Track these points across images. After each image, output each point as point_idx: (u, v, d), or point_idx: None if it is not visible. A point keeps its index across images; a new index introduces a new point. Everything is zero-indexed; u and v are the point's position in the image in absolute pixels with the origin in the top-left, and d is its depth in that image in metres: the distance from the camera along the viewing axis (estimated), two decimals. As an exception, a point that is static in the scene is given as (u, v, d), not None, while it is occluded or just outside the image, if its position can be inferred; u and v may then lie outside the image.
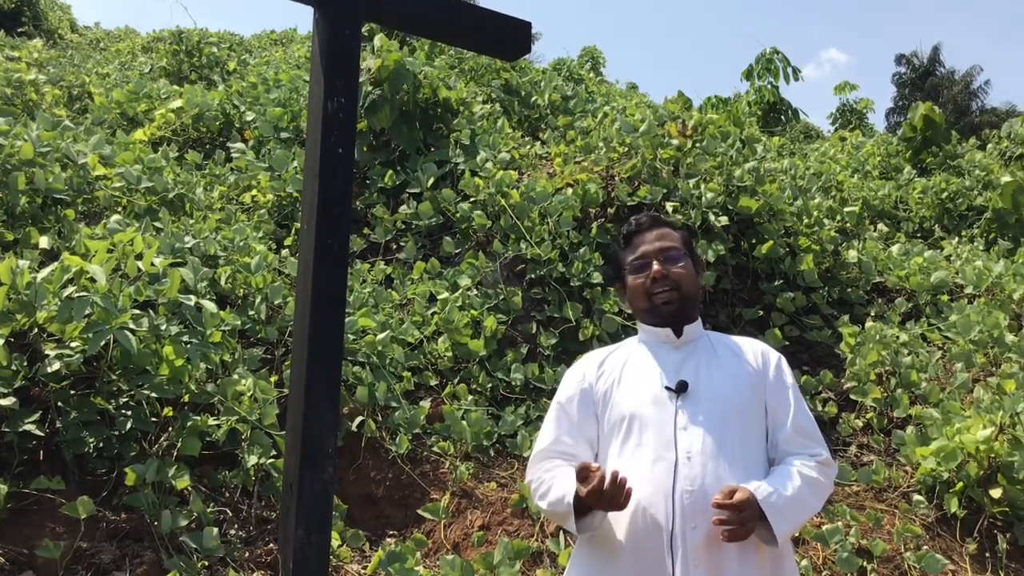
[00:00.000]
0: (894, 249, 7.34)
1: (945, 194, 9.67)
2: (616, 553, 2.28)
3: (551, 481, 2.37)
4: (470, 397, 4.75)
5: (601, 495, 2.13)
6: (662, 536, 2.20)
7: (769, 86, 14.54)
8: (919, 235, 9.28)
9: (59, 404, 3.44)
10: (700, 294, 2.61)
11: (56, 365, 3.38)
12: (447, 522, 4.01)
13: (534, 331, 5.34)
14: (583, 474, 2.18)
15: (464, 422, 4.51)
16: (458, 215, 6.07)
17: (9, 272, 3.43)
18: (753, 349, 2.54)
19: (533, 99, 9.98)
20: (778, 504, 2.18)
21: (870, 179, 10.62)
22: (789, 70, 14.61)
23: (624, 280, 2.59)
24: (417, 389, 4.76)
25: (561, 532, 3.89)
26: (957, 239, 8.88)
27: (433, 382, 4.81)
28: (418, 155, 6.78)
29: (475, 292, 5.44)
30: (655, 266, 2.47)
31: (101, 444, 3.47)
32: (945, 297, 6.33)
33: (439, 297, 5.30)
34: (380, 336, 4.70)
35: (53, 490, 3.25)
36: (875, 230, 8.58)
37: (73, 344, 3.47)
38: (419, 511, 4.01)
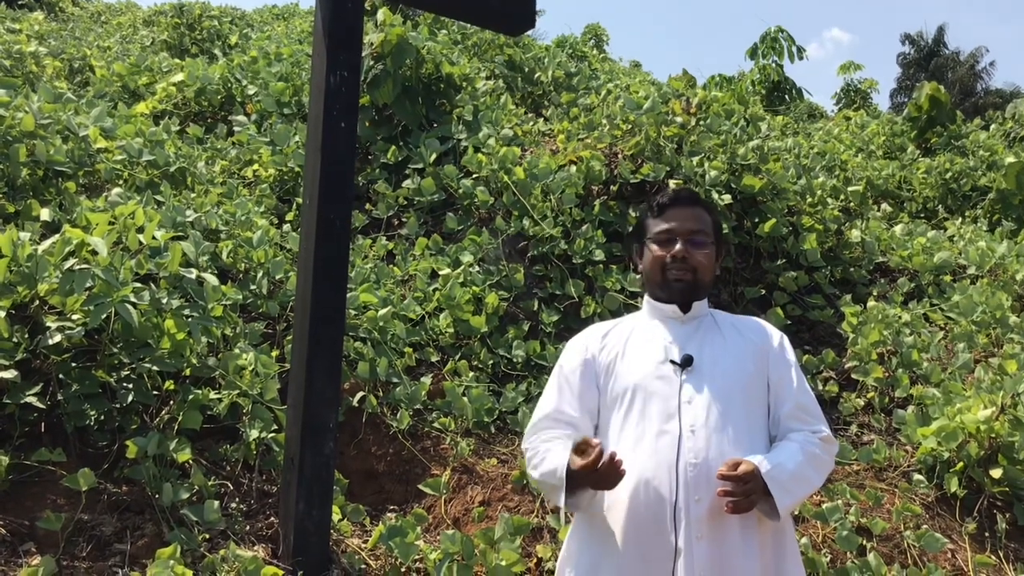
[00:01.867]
0: (897, 229, 7.32)
1: (949, 174, 9.64)
2: (619, 525, 2.28)
3: (545, 453, 2.37)
4: (471, 373, 4.75)
5: (595, 471, 2.13)
6: (665, 508, 2.21)
7: (773, 65, 14.47)
8: (922, 215, 9.26)
9: (60, 377, 3.44)
10: (714, 279, 2.61)
11: (57, 338, 3.37)
12: (448, 498, 4.02)
13: (536, 308, 5.33)
14: (582, 447, 2.18)
15: (465, 398, 4.51)
16: (460, 191, 6.05)
17: (10, 244, 3.42)
18: (756, 327, 2.55)
19: (536, 76, 9.93)
20: (781, 478, 2.19)
21: (874, 159, 10.58)
22: (794, 49, 14.54)
23: (645, 246, 2.57)
24: (418, 365, 4.76)
25: (561, 508, 3.90)
26: (960, 219, 8.86)
27: (434, 358, 4.81)
28: (421, 131, 6.76)
29: (477, 268, 5.42)
30: (679, 245, 2.46)
31: (102, 417, 3.48)
32: (948, 277, 6.32)
33: (441, 273, 5.29)
34: (381, 312, 4.70)
35: (54, 462, 3.26)
36: (879, 210, 8.55)
37: (74, 317, 3.46)
38: (420, 486, 4.02)
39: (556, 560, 3.28)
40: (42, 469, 3.26)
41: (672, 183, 5.87)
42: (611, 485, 2.17)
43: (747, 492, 2.13)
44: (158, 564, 2.88)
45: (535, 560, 3.68)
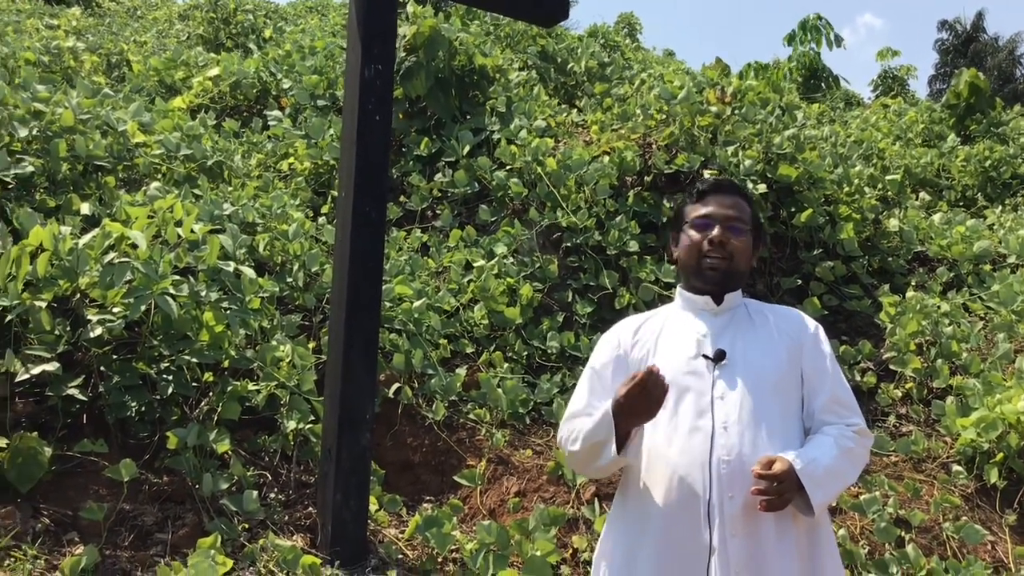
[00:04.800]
0: (936, 218, 7.22)
1: (988, 162, 9.50)
2: (652, 521, 2.27)
3: (583, 423, 2.36)
4: (506, 365, 4.76)
5: (643, 388, 2.12)
6: (699, 506, 2.19)
7: (811, 52, 14.31)
8: (962, 204, 9.14)
9: (101, 369, 3.49)
10: (749, 271, 2.57)
11: (98, 330, 3.42)
12: (483, 488, 4.04)
13: (570, 299, 5.33)
14: (627, 382, 2.17)
15: (500, 390, 4.52)
16: (494, 183, 6.05)
17: (52, 238, 3.48)
18: (790, 317, 2.50)
19: (569, 66, 9.89)
20: (815, 474, 2.16)
21: (912, 147, 10.45)
22: (832, 36, 14.37)
23: (682, 231, 2.53)
24: (453, 357, 4.78)
25: (596, 499, 3.91)
26: (1000, 208, 8.72)
27: (469, 350, 4.83)
28: (454, 123, 6.76)
29: (511, 260, 5.43)
30: (716, 230, 2.42)
31: (143, 408, 3.52)
32: (987, 267, 6.23)
33: (475, 265, 5.30)
34: (416, 304, 4.72)
35: (96, 453, 3.31)
36: (917, 198, 8.45)
37: (115, 309, 3.51)
38: (455, 477, 4.04)
39: (591, 551, 3.28)
40: (84, 460, 3.31)
41: (707, 173, 5.83)
42: (658, 403, 2.15)
43: (781, 491, 2.10)
44: (199, 553, 2.93)
45: (571, 550, 3.69)
